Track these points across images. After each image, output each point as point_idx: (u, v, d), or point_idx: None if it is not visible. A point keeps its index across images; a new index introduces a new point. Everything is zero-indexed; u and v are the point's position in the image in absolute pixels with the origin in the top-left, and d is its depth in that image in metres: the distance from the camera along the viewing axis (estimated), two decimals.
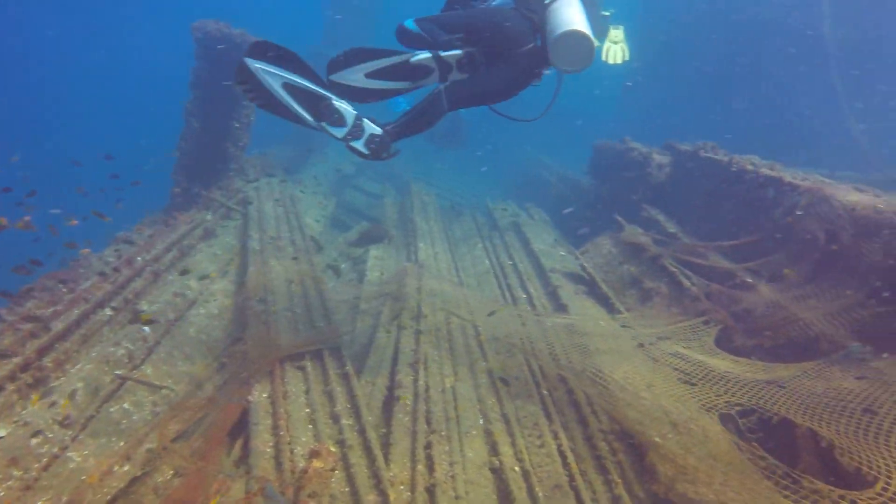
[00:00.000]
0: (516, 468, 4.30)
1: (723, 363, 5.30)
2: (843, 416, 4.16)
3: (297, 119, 4.34)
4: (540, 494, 4.04)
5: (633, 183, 9.84)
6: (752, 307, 6.15)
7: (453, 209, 13.17)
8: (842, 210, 6.04)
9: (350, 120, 4.39)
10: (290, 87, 4.25)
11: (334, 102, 4.36)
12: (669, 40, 20.14)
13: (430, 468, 4.17)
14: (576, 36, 4.33)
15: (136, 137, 30.69)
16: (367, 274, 7.96)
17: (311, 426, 4.51)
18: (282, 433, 4.31)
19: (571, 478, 4.26)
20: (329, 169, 14.73)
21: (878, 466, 3.69)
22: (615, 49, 7.25)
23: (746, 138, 14.79)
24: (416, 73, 4.45)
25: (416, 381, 5.13)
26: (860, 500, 3.51)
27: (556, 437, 4.68)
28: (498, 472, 4.28)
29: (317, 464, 3.69)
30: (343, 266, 8.66)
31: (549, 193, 14.86)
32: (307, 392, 4.89)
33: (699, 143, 9.22)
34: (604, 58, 6.66)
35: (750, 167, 7.84)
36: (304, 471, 3.69)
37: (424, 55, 4.40)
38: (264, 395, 4.74)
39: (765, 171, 7.61)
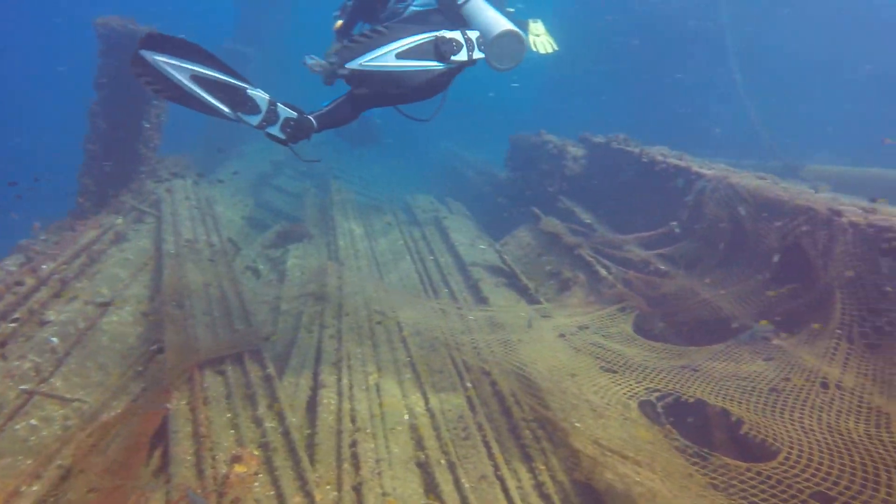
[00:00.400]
0: (442, 461, 4.35)
1: (640, 350, 5.51)
2: (753, 395, 4.41)
3: (213, 111, 4.21)
4: (467, 486, 4.10)
5: (550, 175, 10.06)
6: (667, 293, 6.40)
7: (374, 206, 13.11)
8: (746, 195, 6.35)
9: (264, 106, 4.30)
10: (199, 78, 4.12)
11: (248, 91, 4.27)
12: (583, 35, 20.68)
13: (357, 466, 4.18)
14: (511, 36, 4.52)
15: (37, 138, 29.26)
16: (288, 274, 7.85)
17: (233, 431, 4.44)
18: (203, 439, 4.23)
19: (497, 467, 4.34)
20: (246, 167, 14.42)
21: (782, 439, 3.92)
22: (541, 41, 7.52)
23: (662, 131, 15.46)
24: None
25: (339, 379, 5.12)
26: (764, 470, 3.73)
27: (480, 428, 4.75)
28: (424, 467, 4.32)
29: (239, 469, 3.65)
30: (262, 267, 8.51)
31: (469, 187, 15.02)
32: (228, 396, 4.80)
33: (611, 136, 9.52)
34: (533, 49, 6.84)
35: (660, 158, 8.15)
36: (227, 476, 3.63)
37: None
38: (183, 402, 4.63)
39: (673, 161, 7.92)
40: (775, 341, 5.13)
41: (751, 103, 17.63)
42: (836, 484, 3.49)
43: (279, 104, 4.37)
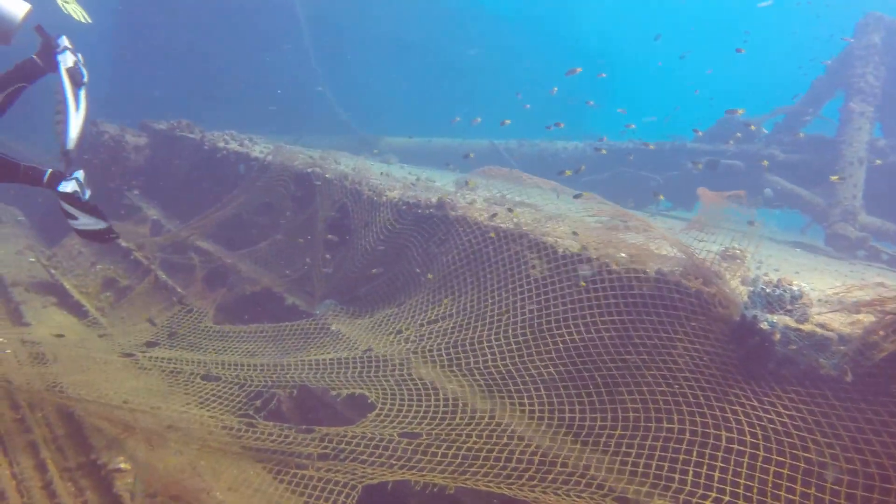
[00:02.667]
0: None
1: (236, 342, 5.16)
2: (327, 369, 4.38)
3: None
4: None
5: (109, 169, 9.03)
6: (234, 283, 6.15)
7: None
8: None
9: None
10: None
11: None
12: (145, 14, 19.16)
13: None
14: None
15: None
16: None
17: None
18: None
19: None
20: None
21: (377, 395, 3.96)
22: (72, 8, 7.31)
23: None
24: None
25: None
26: (350, 432, 3.69)
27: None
28: None
29: None
30: None
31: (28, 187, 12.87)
32: None
33: (174, 122, 8.89)
34: (66, 12, 6.62)
35: (221, 144, 7.82)
36: None
37: None
38: None
39: (234, 146, 7.67)
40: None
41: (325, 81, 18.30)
42: (419, 423, 3.61)
43: None
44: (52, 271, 6.75)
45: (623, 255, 3.85)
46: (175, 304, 5.88)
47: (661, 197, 11.37)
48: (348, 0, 21.25)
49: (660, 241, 4.19)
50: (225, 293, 5.76)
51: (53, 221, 9.29)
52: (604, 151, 12.54)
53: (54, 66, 4.32)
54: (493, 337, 3.91)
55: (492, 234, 4.26)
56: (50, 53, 4.37)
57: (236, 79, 18.27)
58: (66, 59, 4.35)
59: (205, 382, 4.72)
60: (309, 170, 6.03)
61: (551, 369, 3.62)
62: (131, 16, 19.21)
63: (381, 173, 7.26)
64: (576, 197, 7.14)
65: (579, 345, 3.58)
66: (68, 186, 4.16)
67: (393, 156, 13.05)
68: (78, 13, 7.67)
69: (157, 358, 5.17)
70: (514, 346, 3.83)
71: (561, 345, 3.65)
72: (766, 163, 10.10)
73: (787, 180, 10.35)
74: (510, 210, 4.63)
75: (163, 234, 7.26)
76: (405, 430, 3.64)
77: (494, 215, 4.53)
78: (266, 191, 6.38)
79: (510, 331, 3.88)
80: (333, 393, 4.15)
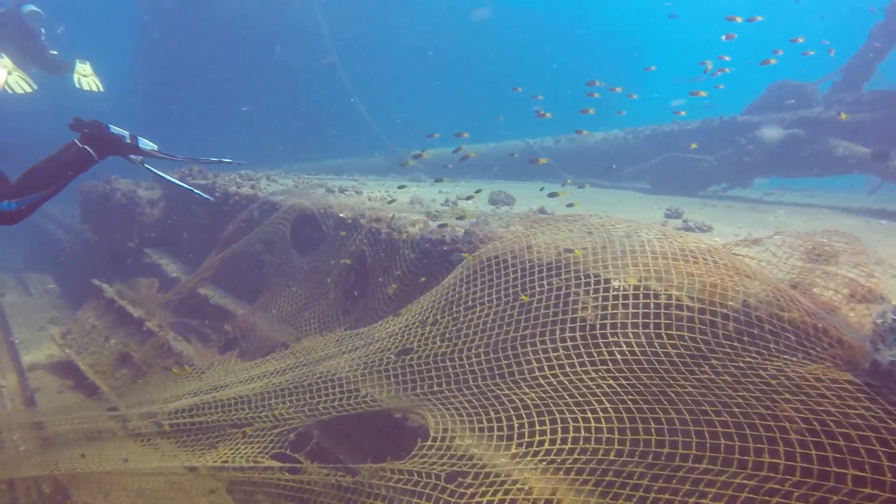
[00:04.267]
0: None
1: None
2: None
3: None
4: None
5: (126, 227, 8.58)
6: (246, 348, 5.56)
7: None
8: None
9: None
10: None
11: None
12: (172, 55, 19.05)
13: None
14: None
15: None
16: None
17: None
18: None
19: None
20: None
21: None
22: (88, 80, 8.76)
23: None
24: None
25: None
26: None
27: None
28: None
29: None
30: None
31: (57, 250, 12.62)
32: None
33: (185, 170, 8.38)
34: (78, 87, 8.20)
35: (233, 189, 7.26)
36: None
37: None
38: None
39: (246, 190, 7.10)
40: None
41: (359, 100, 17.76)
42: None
43: None
44: (67, 350, 6.26)
45: (695, 281, 3.06)
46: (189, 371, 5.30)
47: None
48: (373, 19, 20.80)
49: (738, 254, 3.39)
50: (237, 355, 5.16)
51: (80, 285, 8.90)
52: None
53: (119, 152, 4.25)
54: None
55: (527, 267, 3.50)
56: (106, 142, 4.18)
57: (265, 104, 18.00)
58: (147, 143, 4.30)
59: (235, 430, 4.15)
60: (321, 210, 5.38)
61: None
62: (156, 45, 19.19)
63: (410, 200, 6.60)
64: (568, 205, 6.42)
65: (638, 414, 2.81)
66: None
67: (423, 174, 12.38)
68: (93, 85, 8.30)
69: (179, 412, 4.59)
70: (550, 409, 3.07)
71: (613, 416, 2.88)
72: (844, 115, 9.00)
73: (854, 142, 9.32)
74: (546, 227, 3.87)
75: (179, 289, 6.72)
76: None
77: (529, 247, 3.77)
78: (274, 236, 5.77)
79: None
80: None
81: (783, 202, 9.60)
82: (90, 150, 4.18)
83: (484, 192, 7.23)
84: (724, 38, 9.61)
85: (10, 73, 7.24)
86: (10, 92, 8.44)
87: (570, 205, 6.15)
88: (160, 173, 4.65)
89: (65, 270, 10.99)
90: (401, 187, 7.92)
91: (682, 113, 10.61)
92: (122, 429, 4.84)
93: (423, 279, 4.31)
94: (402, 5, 21.84)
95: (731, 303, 2.89)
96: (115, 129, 4.27)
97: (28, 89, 7.84)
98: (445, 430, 3.15)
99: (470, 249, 4.02)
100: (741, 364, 2.65)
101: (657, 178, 11.22)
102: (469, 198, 6.49)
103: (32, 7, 9.48)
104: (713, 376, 2.67)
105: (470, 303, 3.55)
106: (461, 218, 5.35)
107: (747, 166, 10.16)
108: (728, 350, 2.74)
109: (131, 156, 4.34)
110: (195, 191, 4.75)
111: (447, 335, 3.52)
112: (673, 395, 2.68)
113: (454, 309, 3.59)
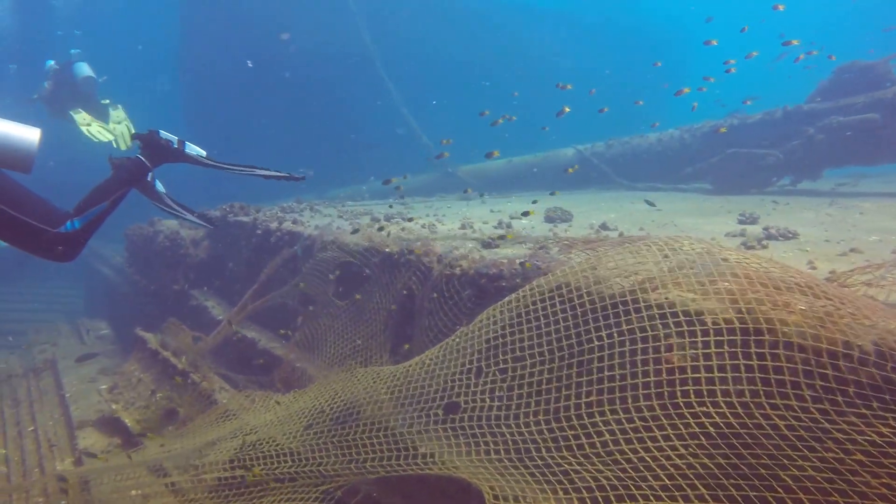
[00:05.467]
0: None
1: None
2: None
3: None
4: None
5: (171, 269, 8.39)
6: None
7: None
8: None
9: None
10: None
11: None
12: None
13: None
14: None
15: None
16: None
17: None
18: None
19: None
20: None
21: None
22: (120, 129, 8.84)
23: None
24: None
25: None
26: None
27: None
28: None
29: None
30: None
31: (110, 291, 12.59)
32: None
33: (226, 206, 8.15)
34: (115, 146, 8.20)
35: (274, 225, 6.96)
36: None
37: None
38: None
39: (288, 226, 6.78)
40: None
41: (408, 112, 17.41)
42: None
43: None
44: (114, 406, 6.02)
45: (802, 312, 2.51)
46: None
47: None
48: (418, 40, 20.54)
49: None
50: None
51: (138, 323, 8.71)
52: (723, 130, 11.00)
53: (170, 158, 4.44)
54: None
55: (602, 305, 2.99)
56: (158, 148, 4.39)
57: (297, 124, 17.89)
58: (194, 148, 4.48)
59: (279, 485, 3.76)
60: (364, 248, 4.99)
61: None
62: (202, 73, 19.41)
63: (461, 225, 6.18)
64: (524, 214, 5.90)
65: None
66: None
67: (472, 192, 11.98)
68: (102, 135, 8.31)
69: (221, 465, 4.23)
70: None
71: None
72: None
73: None
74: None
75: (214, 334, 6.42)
76: None
77: (594, 280, 3.28)
78: (318, 275, 5.42)
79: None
80: None
81: (859, 192, 8.86)
82: (142, 159, 4.36)
83: (538, 206, 6.77)
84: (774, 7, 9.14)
85: (89, 125, 8.18)
86: (95, 141, 9.01)
87: (650, 203, 5.60)
88: (165, 208, 4.67)
89: (117, 314, 10.92)
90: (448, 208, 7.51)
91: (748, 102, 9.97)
92: (169, 490, 4.54)
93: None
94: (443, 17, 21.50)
95: (859, 342, 2.35)
96: (164, 133, 4.39)
97: (110, 137, 8.51)
98: None
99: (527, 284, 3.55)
100: (884, 432, 2.10)
101: (719, 177, 10.55)
102: (525, 213, 6.03)
103: (87, 73, 9.95)
104: (841, 454, 2.13)
105: (518, 352, 3.06)
106: (520, 242, 4.90)
107: (817, 157, 9.43)
108: (862, 410, 2.20)
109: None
110: (195, 220, 4.74)
111: (497, 391, 3.04)
112: (789, 480, 2.14)
113: (500, 357, 3.11)
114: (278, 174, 4.55)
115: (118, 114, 9.95)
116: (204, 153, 4.56)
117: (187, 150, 4.47)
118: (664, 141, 12.21)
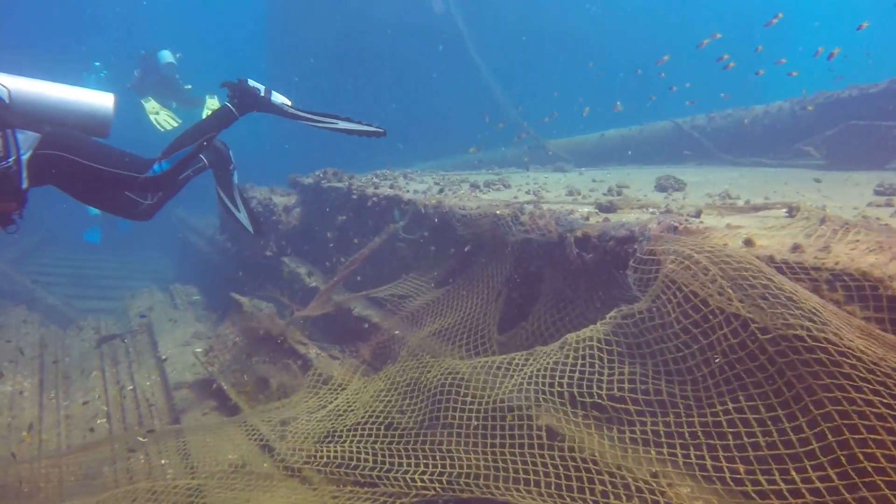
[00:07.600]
0: None
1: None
2: None
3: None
4: None
5: (265, 236, 8.33)
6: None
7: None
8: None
9: None
10: None
11: None
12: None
13: None
14: None
15: None
16: None
17: None
18: None
19: None
20: None
21: None
22: (164, 119, 9.39)
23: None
24: None
25: None
26: None
27: None
28: None
29: None
30: None
31: (200, 260, 12.77)
32: None
33: (320, 172, 8.01)
34: (161, 128, 9.17)
35: (371, 190, 6.75)
36: None
37: None
38: None
39: (385, 191, 6.57)
40: None
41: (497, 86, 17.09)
42: None
43: None
44: (210, 369, 5.98)
45: None
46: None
47: None
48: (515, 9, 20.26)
49: None
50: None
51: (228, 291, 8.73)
52: (811, 108, 10.27)
53: (256, 107, 4.62)
54: None
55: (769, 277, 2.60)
56: (245, 95, 4.55)
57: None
58: (279, 97, 4.67)
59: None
60: (470, 212, 4.68)
61: None
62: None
63: (567, 192, 5.82)
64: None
65: None
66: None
67: (566, 163, 11.53)
68: (168, 123, 8.88)
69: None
70: None
71: None
72: None
73: None
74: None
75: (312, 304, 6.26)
76: None
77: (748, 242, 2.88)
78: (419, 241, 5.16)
79: None
80: None
81: None
82: (230, 106, 4.52)
83: (645, 178, 6.32)
84: None
85: (157, 113, 8.98)
86: (161, 130, 9.56)
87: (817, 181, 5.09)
88: (226, 198, 5.10)
89: (207, 282, 11.05)
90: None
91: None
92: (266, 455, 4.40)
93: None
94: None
95: None
96: (252, 82, 4.56)
97: (175, 124, 9.13)
98: None
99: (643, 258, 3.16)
100: None
101: (834, 152, 9.74)
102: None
103: (169, 60, 11.20)
104: None
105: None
106: (639, 208, 4.52)
107: None
108: None
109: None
110: (243, 221, 5.21)
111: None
112: None
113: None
114: (359, 126, 4.69)
115: (213, 102, 10.26)
116: (289, 102, 4.67)
117: (273, 99, 4.59)
118: (771, 114, 11.40)
